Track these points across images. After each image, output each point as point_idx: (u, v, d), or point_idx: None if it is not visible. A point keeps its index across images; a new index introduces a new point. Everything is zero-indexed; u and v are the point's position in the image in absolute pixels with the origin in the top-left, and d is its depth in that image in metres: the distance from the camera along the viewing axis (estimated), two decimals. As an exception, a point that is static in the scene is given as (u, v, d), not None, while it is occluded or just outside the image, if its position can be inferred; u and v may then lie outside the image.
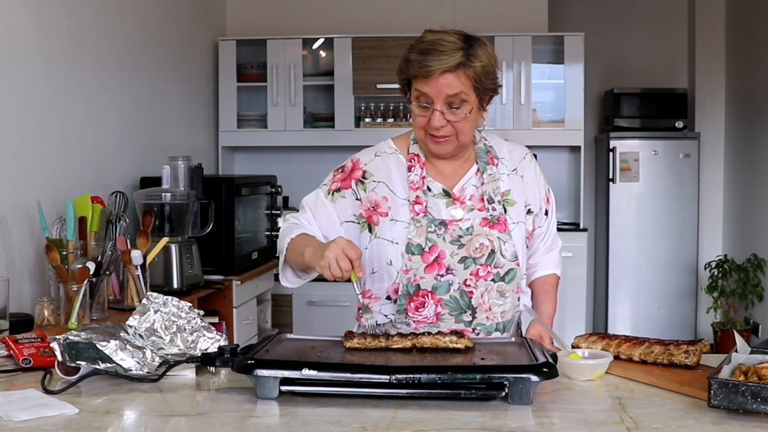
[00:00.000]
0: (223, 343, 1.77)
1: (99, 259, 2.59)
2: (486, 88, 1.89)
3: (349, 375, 1.49)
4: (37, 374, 1.69)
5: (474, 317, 1.95)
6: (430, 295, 1.94)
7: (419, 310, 1.95)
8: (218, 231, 3.60)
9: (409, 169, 1.99)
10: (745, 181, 5.46)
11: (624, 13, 6.02)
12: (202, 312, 1.87)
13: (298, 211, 2.06)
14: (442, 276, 1.93)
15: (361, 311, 2.01)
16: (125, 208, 3.25)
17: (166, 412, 1.47)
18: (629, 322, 5.60)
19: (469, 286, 1.94)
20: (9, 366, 1.79)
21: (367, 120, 4.88)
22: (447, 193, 1.98)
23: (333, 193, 2.01)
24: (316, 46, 5.00)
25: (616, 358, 1.77)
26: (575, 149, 5.10)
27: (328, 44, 4.91)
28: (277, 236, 4.27)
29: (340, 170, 2.05)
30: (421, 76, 1.85)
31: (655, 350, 1.74)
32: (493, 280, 1.95)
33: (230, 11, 5.19)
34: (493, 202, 1.98)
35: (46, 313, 2.40)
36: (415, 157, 2.00)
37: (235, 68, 4.90)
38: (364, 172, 2.01)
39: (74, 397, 1.53)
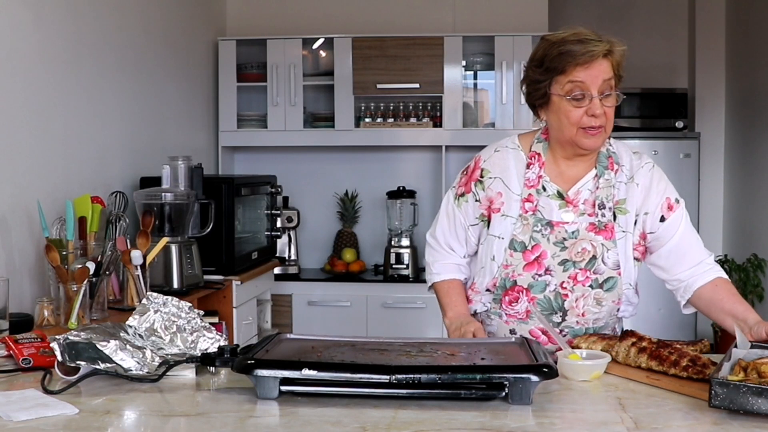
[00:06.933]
0: (223, 343, 1.77)
1: (99, 259, 2.59)
2: (620, 76, 1.95)
3: (349, 375, 1.49)
4: (37, 374, 1.69)
5: (564, 319, 1.98)
6: (524, 291, 1.97)
7: (512, 304, 1.99)
8: (218, 231, 3.59)
9: (528, 167, 2.01)
10: (745, 181, 5.46)
11: (624, 13, 6.01)
12: (202, 312, 1.87)
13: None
14: (539, 276, 1.95)
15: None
16: (125, 208, 3.25)
17: (166, 412, 1.47)
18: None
19: (566, 288, 1.96)
20: (9, 366, 1.79)
21: (367, 120, 4.87)
22: (561, 196, 1.98)
23: (459, 198, 2.08)
24: (316, 46, 5.00)
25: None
26: (575, 149, 5.09)
27: (328, 44, 4.90)
28: (277, 236, 4.33)
29: (465, 171, 2.10)
30: (582, 63, 1.87)
31: (655, 350, 1.74)
32: (591, 286, 1.96)
33: (230, 11, 5.18)
34: (604, 207, 1.98)
35: (46, 313, 2.40)
36: (536, 156, 2.01)
37: (235, 68, 4.89)
38: (482, 170, 2.04)
39: (74, 397, 1.53)
